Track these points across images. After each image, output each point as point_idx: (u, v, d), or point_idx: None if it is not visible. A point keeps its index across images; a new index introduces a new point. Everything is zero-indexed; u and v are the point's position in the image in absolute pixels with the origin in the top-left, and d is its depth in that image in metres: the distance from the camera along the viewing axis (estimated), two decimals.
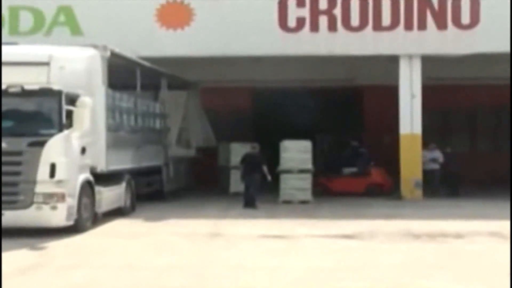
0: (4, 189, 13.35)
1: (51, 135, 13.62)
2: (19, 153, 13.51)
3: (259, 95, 26.65)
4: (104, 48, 15.80)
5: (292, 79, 24.79)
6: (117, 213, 16.44)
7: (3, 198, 13.32)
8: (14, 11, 20.80)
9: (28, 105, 13.95)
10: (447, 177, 22.20)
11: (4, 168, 13.38)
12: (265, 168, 18.91)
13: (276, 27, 20.85)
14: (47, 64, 14.11)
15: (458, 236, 13.83)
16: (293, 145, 20.23)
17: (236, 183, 21.01)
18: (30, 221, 13.49)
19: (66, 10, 20.97)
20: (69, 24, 20.92)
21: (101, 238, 13.91)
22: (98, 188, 15.11)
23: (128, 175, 17.35)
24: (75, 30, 20.82)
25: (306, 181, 20.02)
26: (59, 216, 13.57)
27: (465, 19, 20.80)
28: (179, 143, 22.01)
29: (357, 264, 11.17)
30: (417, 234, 14.01)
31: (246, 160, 19.24)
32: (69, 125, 13.94)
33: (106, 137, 15.62)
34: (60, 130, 13.72)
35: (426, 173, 21.39)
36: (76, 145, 14.21)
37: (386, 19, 20.82)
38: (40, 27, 20.91)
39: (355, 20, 20.81)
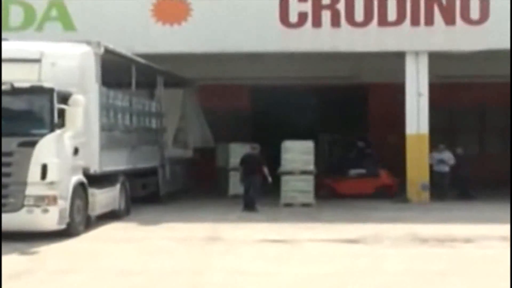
0: None
1: (43, 135, 13.48)
2: (9, 154, 13.36)
3: (259, 93, 26.93)
4: (98, 44, 15.69)
5: (293, 76, 25.06)
6: (111, 216, 16.36)
7: None
8: (4, 5, 20.55)
9: (18, 104, 13.77)
10: (457, 180, 22.01)
11: None
12: (265, 170, 18.78)
13: (277, 22, 20.65)
14: (38, 61, 13.90)
15: (467, 240, 13.67)
16: (294, 146, 20.09)
17: (235, 185, 20.88)
18: (21, 224, 13.34)
19: (58, 5, 20.84)
20: (61, 19, 20.80)
21: (94, 242, 13.83)
22: (91, 190, 15.02)
23: (123, 176, 17.26)
24: (68, 25, 20.66)
25: (308, 183, 19.86)
26: (50, 219, 13.44)
27: (474, 14, 20.57)
28: (176, 144, 21.99)
29: (361, 270, 11.06)
30: (424, 238, 13.89)
31: (246, 161, 19.10)
32: (61, 124, 13.79)
33: (100, 137, 15.59)
34: (52, 129, 13.59)
35: (435, 175, 21.19)
36: (69, 145, 14.08)
37: (391, 14, 20.62)
38: (31, 22, 20.77)
39: (359, 15, 20.63)
